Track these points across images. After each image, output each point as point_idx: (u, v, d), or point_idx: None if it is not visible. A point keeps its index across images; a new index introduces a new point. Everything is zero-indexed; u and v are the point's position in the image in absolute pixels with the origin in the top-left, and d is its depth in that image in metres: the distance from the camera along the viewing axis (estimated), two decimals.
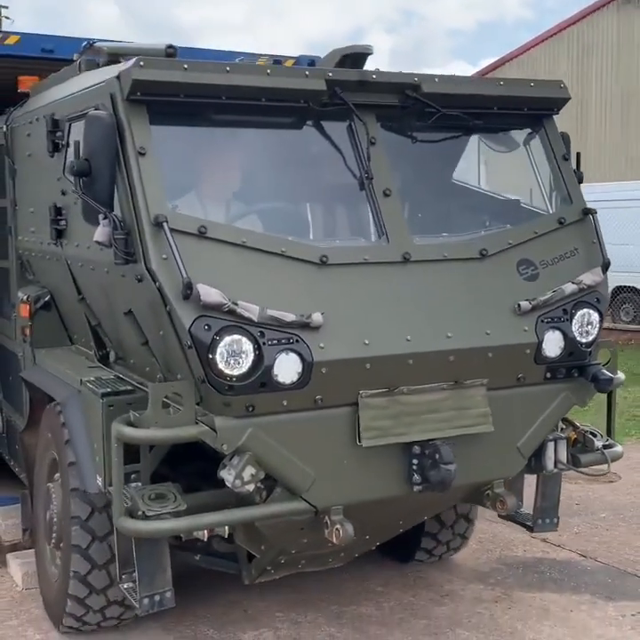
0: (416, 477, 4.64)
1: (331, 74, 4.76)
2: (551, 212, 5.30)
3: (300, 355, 4.31)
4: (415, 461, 4.63)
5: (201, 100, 4.55)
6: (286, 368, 4.29)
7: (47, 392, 5.58)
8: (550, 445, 5.10)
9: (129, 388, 4.92)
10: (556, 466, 5.14)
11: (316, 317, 4.34)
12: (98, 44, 5.27)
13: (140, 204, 4.33)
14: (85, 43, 5.49)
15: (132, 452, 4.55)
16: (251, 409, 4.30)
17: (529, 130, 5.42)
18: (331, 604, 5.93)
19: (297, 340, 4.32)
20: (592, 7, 27.79)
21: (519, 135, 5.49)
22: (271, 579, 5.43)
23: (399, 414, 4.56)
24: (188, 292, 4.16)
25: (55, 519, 5.53)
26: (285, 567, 5.30)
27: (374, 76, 4.87)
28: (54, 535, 5.54)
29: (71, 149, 4.96)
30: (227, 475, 4.36)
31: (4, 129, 6.51)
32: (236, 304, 4.22)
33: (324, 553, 5.27)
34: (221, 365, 4.20)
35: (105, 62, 5.15)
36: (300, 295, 4.44)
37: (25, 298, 6.20)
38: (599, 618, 5.73)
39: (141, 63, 4.36)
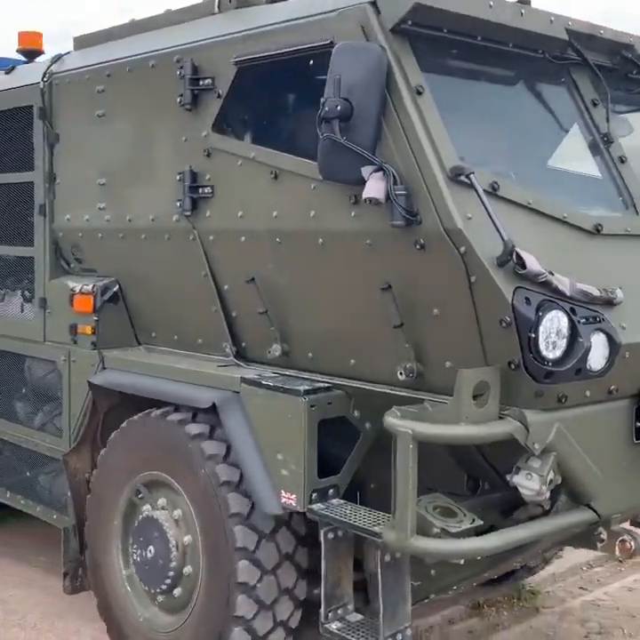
0: None
1: (570, 23, 4.17)
2: None
3: (608, 336, 3.67)
4: None
5: (459, 37, 3.83)
6: (597, 351, 3.65)
7: (166, 399, 4.58)
8: None
9: (323, 385, 4.08)
10: None
11: (619, 294, 3.74)
12: None
13: (426, 154, 3.56)
14: None
15: None
16: (563, 400, 3.62)
17: None
18: None
19: (603, 319, 3.68)
20: None
21: None
22: None
23: None
24: (508, 257, 3.43)
25: (174, 554, 4.49)
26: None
27: (602, 32, 4.33)
28: (170, 577, 4.49)
29: (222, 99, 4.28)
30: (526, 481, 3.63)
31: (41, 86, 5.35)
32: (552, 274, 3.53)
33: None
34: (542, 347, 3.49)
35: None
36: (583, 266, 3.81)
37: (87, 289, 5.11)
38: None
39: None
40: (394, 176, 3.54)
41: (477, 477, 4.14)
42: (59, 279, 5.42)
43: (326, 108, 3.54)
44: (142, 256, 4.91)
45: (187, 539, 4.48)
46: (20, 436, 5.76)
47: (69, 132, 5.26)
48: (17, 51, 6.06)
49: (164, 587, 4.53)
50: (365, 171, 3.58)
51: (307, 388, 4.03)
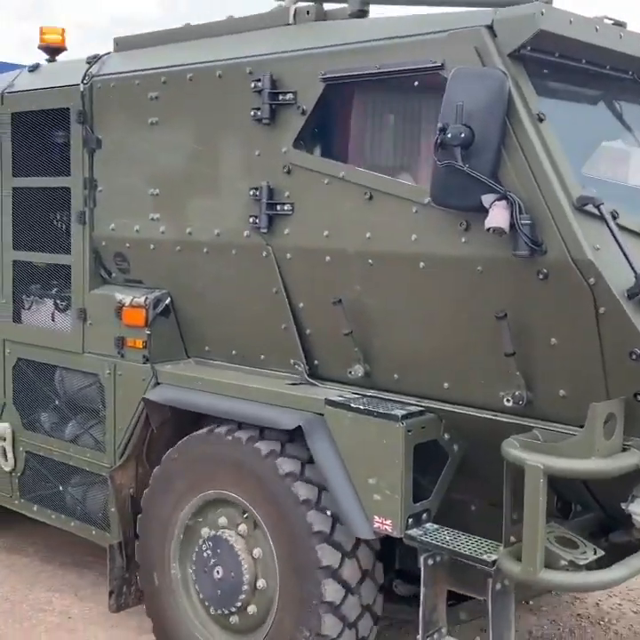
0: None
1: None
2: None
3: None
4: None
5: (568, 61, 3.80)
6: None
7: (244, 420, 4.49)
8: None
9: (416, 408, 4.05)
10: None
11: None
12: None
13: (552, 183, 3.52)
14: None
15: None
16: None
17: None
18: None
19: None
20: None
21: None
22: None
23: None
24: (638, 290, 3.43)
25: (246, 569, 4.42)
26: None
27: None
28: (243, 593, 4.42)
29: (307, 116, 4.18)
30: None
31: (81, 89, 5.15)
32: None
33: None
34: None
35: (356, 11, 4.23)
36: None
37: (139, 301, 4.96)
38: None
39: (543, 11, 3.54)
40: (519, 205, 3.49)
41: (570, 501, 4.14)
42: (100, 289, 5.25)
43: (449, 135, 3.47)
44: (201, 270, 4.78)
45: (256, 552, 4.42)
46: (53, 449, 5.58)
47: (114, 138, 5.08)
48: (39, 47, 5.83)
49: (238, 604, 4.45)
50: (486, 199, 3.52)
51: (403, 412, 3.98)
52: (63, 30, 5.80)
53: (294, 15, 4.41)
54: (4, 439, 5.83)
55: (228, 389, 4.59)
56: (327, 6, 4.47)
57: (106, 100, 5.09)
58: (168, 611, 4.80)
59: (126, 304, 5.01)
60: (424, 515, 4.08)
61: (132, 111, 4.95)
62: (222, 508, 4.60)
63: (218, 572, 4.55)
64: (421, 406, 4.09)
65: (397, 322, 4.10)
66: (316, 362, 4.51)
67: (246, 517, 4.49)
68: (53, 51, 5.80)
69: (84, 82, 5.15)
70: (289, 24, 4.46)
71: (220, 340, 4.90)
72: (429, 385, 4.09)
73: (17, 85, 5.65)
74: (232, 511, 4.56)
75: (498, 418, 3.87)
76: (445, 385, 4.04)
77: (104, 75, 5.12)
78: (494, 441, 3.78)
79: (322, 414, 4.23)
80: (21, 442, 5.76)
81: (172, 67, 4.78)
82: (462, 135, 3.47)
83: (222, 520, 4.58)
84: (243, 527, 4.49)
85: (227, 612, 4.53)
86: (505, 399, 3.80)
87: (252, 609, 4.45)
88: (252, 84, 4.36)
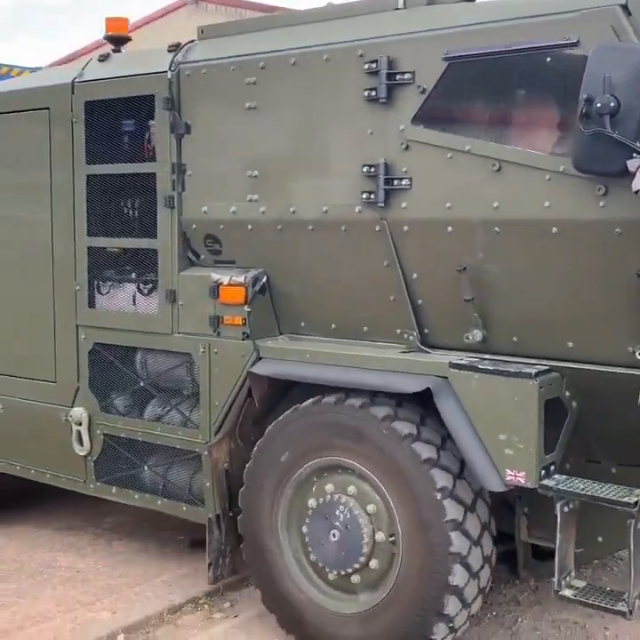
0: None
1: None
2: None
3: None
4: None
5: None
6: None
7: (362, 387, 4.70)
8: None
9: (543, 368, 4.31)
10: None
11: None
12: None
13: None
14: None
15: None
16: None
17: None
18: None
19: None
20: None
21: None
22: None
23: None
24: None
25: (365, 530, 4.66)
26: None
27: None
28: (364, 552, 4.64)
29: (430, 92, 4.42)
30: None
31: (169, 76, 5.30)
32: None
33: None
34: None
35: None
36: None
37: (238, 280, 5.13)
38: None
39: None
40: None
41: None
42: (191, 271, 5.39)
43: (598, 105, 3.75)
44: (304, 247, 4.96)
45: (370, 508, 4.64)
46: (137, 430, 5.68)
47: (205, 123, 5.22)
48: (104, 37, 5.95)
49: (361, 559, 4.66)
50: (632, 163, 3.81)
51: (535, 371, 4.24)
52: (127, 20, 5.92)
53: (404, 1, 4.62)
54: (80, 424, 5.89)
55: (345, 360, 4.77)
56: None
57: (196, 86, 5.23)
58: (278, 579, 4.96)
59: (224, 283, 5.17)
60: (551, 467, 4.34)
61: (227, 96, 5.11)
62: (330, 473, 4.80)
63: (334, 534, 4.74)
64: (544, 366, 4.35)
65: (522, 286, 4.36)
66: (425, 330, 4.73)
67: (357, 479, 4.68)
68: (119, 40, 5.91)
69: (171, 69, 5.28)
70: (398, 8, 4.66)
71: (317, 315, 5.09)
72: (552, 345, 4.36)
73: (88, 75, 5.74)
74: (342, 476, 4.75)
75: (630, 372, 4.14)
76: (570, 344, 4.31)
77: (193, 62, 5.26)
78: (620, 396, 4.08)
79: (445, 377, 4.45)
80: (99, 425, 5.85)
81: (271, 52, 4.95)
82: (612, 104, 3.75)
83: (329, 486, 4.77)
84: (352, 488, 4.70)
85: (350, 570, 4.71)
86: (637, 353, 4.08)
87: (374, 563, 4.66)
88: (366, 66, 4.57)
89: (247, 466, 5.08)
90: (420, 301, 4.70)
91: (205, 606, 5.51)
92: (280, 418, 4.96)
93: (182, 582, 5.77)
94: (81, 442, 5.94)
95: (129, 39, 5.94)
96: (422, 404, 4.62)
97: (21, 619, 5.34)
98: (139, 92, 5.44)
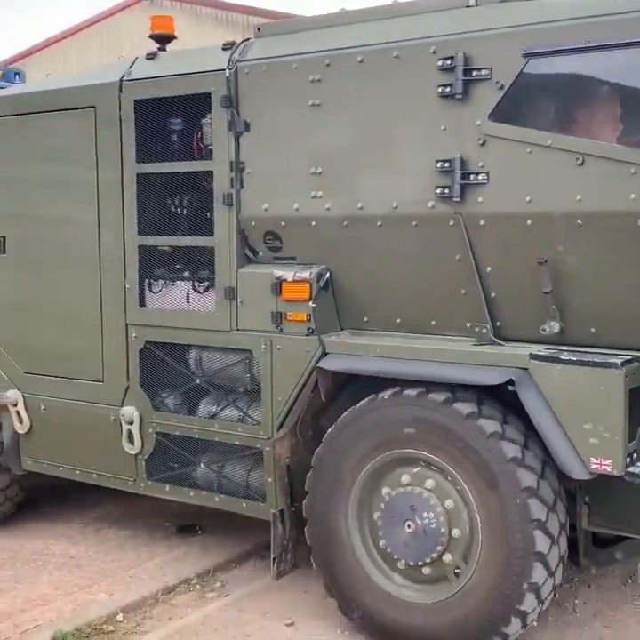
0: None
1: None
2: None
3: None
4: None
5: None
6: None
7: (440, 380, 4.76)
8: None
9: (626, 357, 4.41)
10: None
11: None
12: None
13: None
14: None
15: None
16: None
17: None
18: None
19: None
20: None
21: None
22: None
23: None
24: None
25: (442, 527, 4.74)
26: None
27: None
28: (440, 544, 4.71)
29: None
30: None
31: (227, 74, 5.33)
32: None
33: None
34: None
35: None
36: None
37: (303, 276, 5.18)
38: None
39: None
40: None
41: None
42: (250, 268, 5.41)
43: None
44: (371, 243, 5.01)
45: (448, 503, 4.72)
46: (193, 427, 5.70)
47: (265, 121, 5.24)
48: (150, 36, 5.94)
49: (434, 555, 4.73)
50: None
51: (621, 360, 4.33)
52: (173, 18, 5.93)
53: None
54: (131, 422, 5.89)
55: (423, 354, 4.83)
56: None
57: (255, 83, 5.25)
58: (344, 567, 5.02)
59: (289, 279, 5.20)
60: (634, 454, 4.44)
61: (289, 94, 5.14)
62: (405, 466, 4.86)
63: (409, 526, 4.80)
64: (628, 356, 4.44)
65: (603, 277, 4.45)
66: (497, 323, 4.81)
67: (436, 474, 4.75)
68: (164, 39, 5.91)
69: (229, 67, 5.30)
70: (469, 6, 4.73)
71: (382, 310, 5.14)
72: (632, 336, 4.45)
73: (137, 73, 5.74)
74: (419, 469, 4.81)
75: None
76: None
77: (251, 60, 5.28)
78: None
79: (525, 369, 4.53)
80: (151, 423, 5.84)
81: (337, 50, 5.00)
82: None
83: (405, 477, 4.83)
84: (430, 482, 4.76)
85: (421, 563, 4.77)
86: None
87: (447, 558, 4.72)
88: (440, 62, 4.63)
89: (316, 455, 5.10)
90: (493, 294, 4.77)
91: (197, 586, 5.78)
92: (355, 407, 4.99)
93: (173, 565, 6.05)
94: (131, 441, 5.93)
95: (174, 37, 5.94)
96: (501, 401, 4.68)
97: (22, 602, 5.55)
98: (194, 90, 5.44)
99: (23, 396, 6.46)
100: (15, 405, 6.47)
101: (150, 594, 5.61)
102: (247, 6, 21.36)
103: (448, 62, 4.61)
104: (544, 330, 4.64)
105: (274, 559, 5.40)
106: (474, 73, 4.57)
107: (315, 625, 5.22)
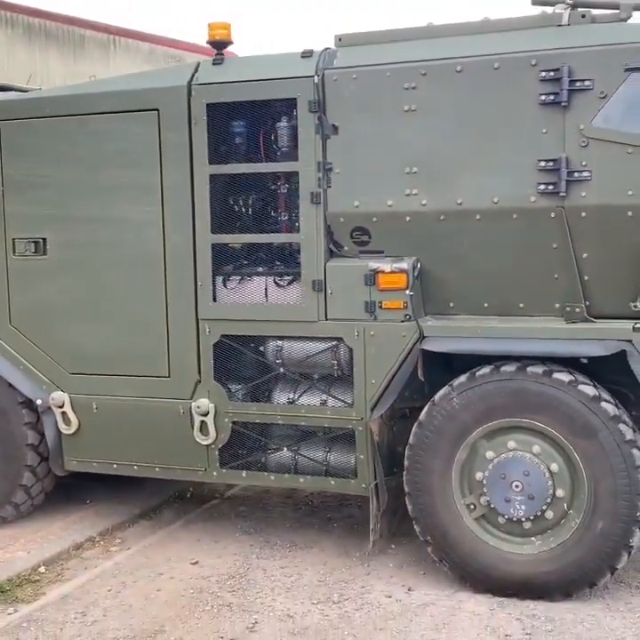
0: None
1: None
2: None
3: None
4: None
5: None
6: None
7: (547, 355, 5.38)
8: None
9: None
10: None
11: None
12: None
13: None
14: None
15: None
16: None
17: None
18: None
19: None
20: None
21: None
22: None
23: None
24: None
25: (549, 488, 5.37)
26: None
27: None
28: (543, 507, 5.38)
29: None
30: None
31: (315, 80, 5.75)
32: None
33: None
34: None
35: (626, 17, 5.35)
36: None
37: (401, 267, 5.68)
38: None
39: None
40: None
41: None
42: (337, 261, 5.82)
43: None
44: (468, 235, 5.57)
45: (554, 466, 5.35)
46: (277, 414, 6.03)
47: (355, 125, 5.67)
48: (207, 42, 6.20)
49: (538, 512, 5.37)
50: None
51: None
52: (230, 25, 6.21)
53: (569, 18, 5.37)
54: (206, 414, 6.13)
55: (527, 333, 5.44)
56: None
57: (344, 90, 5.68)
58: (451, 530, 5.55)
59: (386, 271, 5.67)
60: None
61: (383, 100, 5.61)
62: (508, 434, 5.46)
63: (517, 486, 5.41)
64: None
65: None
66: (587, 303, 5.50)
67: (541, 440, 5.38)
68: (221, 45, 6.19)
69: (318, 74, 5.71)
70: (561, 25, 5.40)
71: (470, 295, 5.71)
72: None
73: (207, 77, 6.00)
74: (524, 435, 5.43)
75: None
76: None
77: (340, 68, 5.71)
78: None
79: (628, 340, 5.24)
80: (227, 414, 6.11)
81: (433, 60, 5.53)
82: None
83: (511, 443, 5.43)
84: (537, 448, 5.39)
85: (524, 519, 5.41)
86: None
87: (549, 514, 5.38)
88: (542, 74, 5.28)
89: (414, 430, 5.61)
90: (586, 277, 5.44)
91: (101, 543, 6.69)
92: (453, 385, 5.52)
93: (75, 527, 6.93)
94: (204, 432, 6.15)
95: (231, 43, 6.21)
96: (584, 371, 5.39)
97: None
98: (276, 95, 5.79)
99: (70, 397, 6.50)
100: (61, 407, 6.50)
101: (62, 550, 6.47)
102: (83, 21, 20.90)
103: (551, 74, 5.24)
104: (636, 306, 5.35)
105: (372, 529, 5.81)
106: (577, 83, 5.22)
107: (217, 564, 6.18)
